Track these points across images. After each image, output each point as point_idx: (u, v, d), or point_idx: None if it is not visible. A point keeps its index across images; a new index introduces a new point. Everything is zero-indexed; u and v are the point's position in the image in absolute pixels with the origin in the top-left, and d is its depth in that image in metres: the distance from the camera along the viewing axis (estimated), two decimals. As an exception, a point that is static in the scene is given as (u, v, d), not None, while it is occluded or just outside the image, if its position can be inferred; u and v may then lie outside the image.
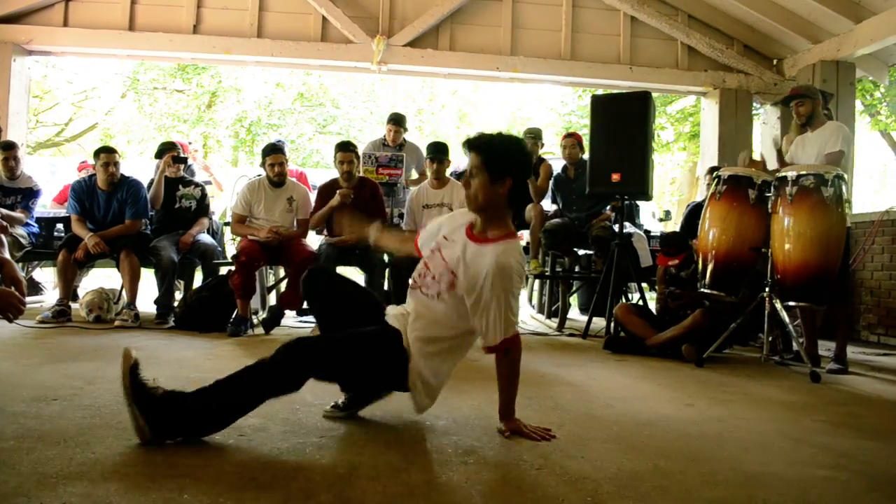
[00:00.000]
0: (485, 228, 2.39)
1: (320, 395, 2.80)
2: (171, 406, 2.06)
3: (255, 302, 5.24)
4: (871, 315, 5.93)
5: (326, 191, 5.38)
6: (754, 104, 7.81)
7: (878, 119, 13.27)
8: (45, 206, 6.42)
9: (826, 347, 4.60)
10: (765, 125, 7.88)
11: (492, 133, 2.46)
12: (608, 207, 5.82)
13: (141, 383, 2.03)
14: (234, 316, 4.90)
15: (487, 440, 2.29)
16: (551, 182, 6.11)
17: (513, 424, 2.36)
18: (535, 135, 6.22)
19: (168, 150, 5.72)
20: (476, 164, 2.35)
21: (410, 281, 2.49)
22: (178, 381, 2.95)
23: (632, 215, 6.24)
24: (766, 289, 4.13)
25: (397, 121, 6.44)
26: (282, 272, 5.89)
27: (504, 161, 2.34)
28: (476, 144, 2.39)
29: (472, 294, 2.28)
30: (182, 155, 5.84)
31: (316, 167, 16.05)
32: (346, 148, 5.32)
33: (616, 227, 5.35)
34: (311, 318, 5.45)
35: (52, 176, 8.87)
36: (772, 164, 4.66)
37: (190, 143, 7.10)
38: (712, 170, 5.32)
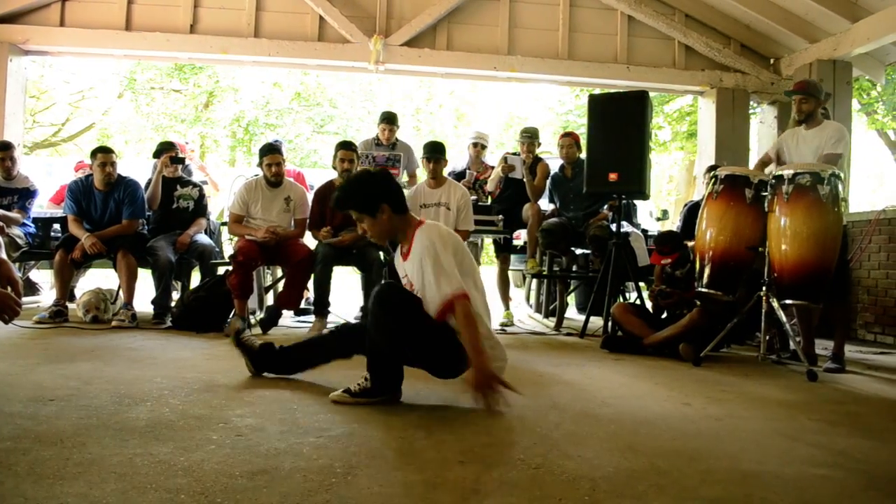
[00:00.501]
0: (401, 244, 2.86)
1: (317, 396, 2.81)
2: (267, 354, 3.14)
3: (252, 302, 5.24)
4: (867, 314, 5.94)
5: (323, 194, 5.37)
6: (751, 103, 7.82)
7: (875, 118, 13.31)
8: (41, 206, 6.41)
9: (823, 346, 4.61)
10: (762, 124, 7.89)
11: (344, 185, 2.88)
12: (605, 207, 5.83)
13: (242, 341, 3.17)
14: (231, 316, 4.89)
15: (484, 440, 2.29)
16: (549, 181, 6.11)
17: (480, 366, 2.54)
18: (532, 134, 6.22)
19: (166, 150, 5.71)
20: (356, 216, 2.80)
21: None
22: (175, 382, 2.97)
23: (629, 214, 6.24)
24: (763, 288, 4.14)
25: (390, 119, 6.47)
26: (279, 272, 5.89)
27: (368, 198, 2.75)
28: (343, 204, 2.80)
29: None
30: (180, 155, 5.82)
31: (314, 167, 16.05)
32: (347, 147, 5.33)
33: (613, 227, 5.36)
34: (309, 318, 5.44)
35: (48, 176, 8.86)
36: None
37: (187, 144, 7.09)
38: (710, 169, 5.32)
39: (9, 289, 2.39)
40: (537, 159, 6.15)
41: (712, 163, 7.08)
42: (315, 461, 1.98)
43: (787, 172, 4.03)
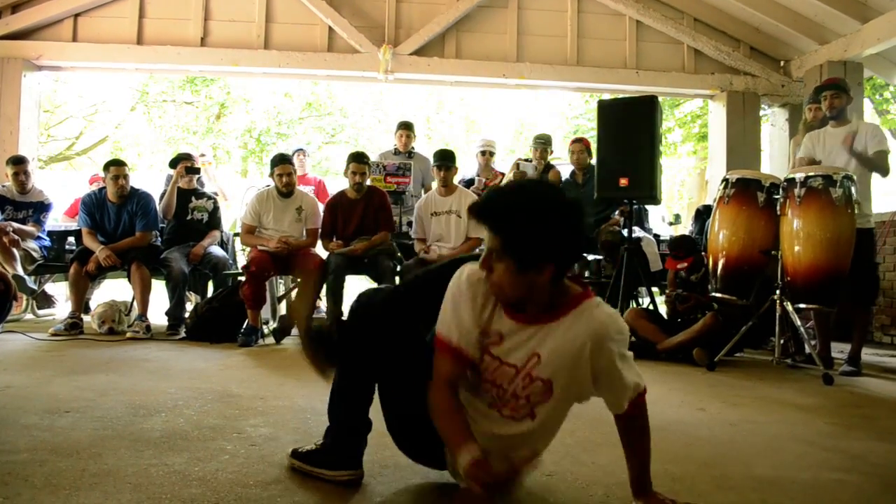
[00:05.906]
0: (531, 305, 1.69)
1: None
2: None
3: (265, 312, 5.26)
4: (883, 316, 5.88)
5: (334, 204, 5.39)
6: (762, 106, 7.79)
7: (888, 118, 13.21)
8: (56, 219, 6.47)
9: (839, 349, 4.57)
10: (773, 127, 7.85)
11: (506, 202, 1.63)
12: (617, 212, 5.81)
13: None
14: (244, 326, 4.91)
15: (498, 447, 2.29)
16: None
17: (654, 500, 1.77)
18: (545, 141, 6.22)
19: (183, 161, 5.76)
20: (495, 247, 1.60)
21: (480, 405, 1.75)
22: (189, 392, 2.99)
23: (641, 219, 6.22)
24: (777, 291, 4.11)
25: (406, 125, 6.52)
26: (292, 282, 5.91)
27: (532, 248, 1.57)
28: (500, 231, 1.60)
29: (578, 381, 1.74)
30: (195, 166, 5.88)
31: (325, 175, 16.11)
32: (359, 159, 5.33)
33: (625, 232, 5.34)
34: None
35: (63, 189, 8.95)
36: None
37: (202, 156, 7.14)
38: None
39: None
40: (549, 166, 6.15)
41: (724, 166, 7.06)
42: (328, 470, 1.98)
43: (798, 175, 4.02)
